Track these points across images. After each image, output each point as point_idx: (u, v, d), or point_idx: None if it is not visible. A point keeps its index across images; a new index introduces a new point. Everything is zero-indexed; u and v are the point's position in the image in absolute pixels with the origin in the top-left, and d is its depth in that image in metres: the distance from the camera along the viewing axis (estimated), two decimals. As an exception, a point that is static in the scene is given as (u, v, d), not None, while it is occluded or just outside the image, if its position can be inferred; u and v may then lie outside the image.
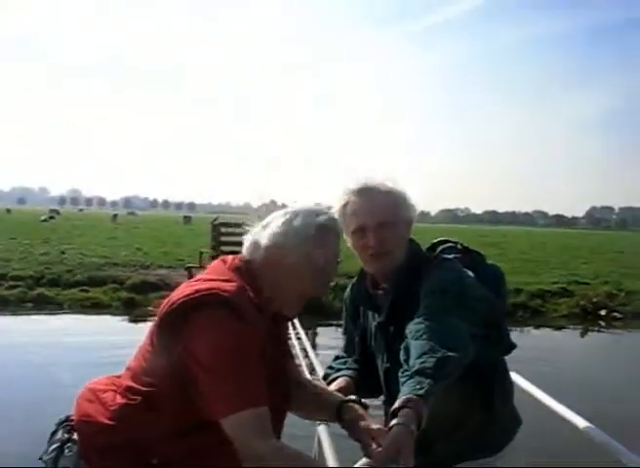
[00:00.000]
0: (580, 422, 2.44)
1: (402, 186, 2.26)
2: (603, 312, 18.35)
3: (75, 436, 1.85)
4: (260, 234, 1.91)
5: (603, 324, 17.76)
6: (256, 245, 1.90)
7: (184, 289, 1.78)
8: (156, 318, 1.79)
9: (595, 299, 18.93)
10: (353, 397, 2.07)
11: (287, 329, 2.15)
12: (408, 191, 2.27)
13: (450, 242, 2.39)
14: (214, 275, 1.83)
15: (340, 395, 2.10)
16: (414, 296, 2.09)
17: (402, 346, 1.92)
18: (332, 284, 2.08)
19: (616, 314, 18.33)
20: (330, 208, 2.06)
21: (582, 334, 16.81)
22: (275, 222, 1.91)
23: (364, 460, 2.50)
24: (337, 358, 2.53)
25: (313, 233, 1.86)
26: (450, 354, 1.80)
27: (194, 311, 1.69)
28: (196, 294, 1.71)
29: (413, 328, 1.94)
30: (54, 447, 1.85)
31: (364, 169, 2.32)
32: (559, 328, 16.97)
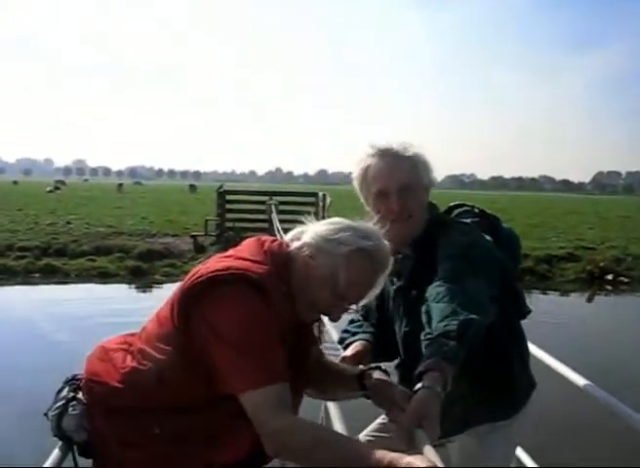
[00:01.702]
0: (585, 384, 2.42)
1: (420, 150, 2.24)
2: (610, 277, 18.33)
3: (80, 395, 1.86)
4: (307, 228, 1.87)
5: (610, 288, 17.76)
6: (298, 236, 1.87)
7: (215, 263, 1.75)
8: (181, 286, 1.76)
9: (602, 264, 18.89)
10: (373, 365, 2.06)
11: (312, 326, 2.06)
12: (426, 155, 2.25)
13: (466, 206, 2.36)
14: (247, 254, 1.79)
15: (357, 367, 2.09)
16: (433, 260, 2.07)
17: (423, 310, 1.90)
18: (346, 314, 1.95)
19: (622, 278, 18.30)
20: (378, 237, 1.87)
21: (589, 299, 16.81)
22: (326, 225, 1.86)
23: (371, 427, 2.52)
24: (352, 321, 2.51)
25: (348, 253, 1.78)
26: (472, 316, 1.79)
27: (221, 286, 1.67)
28: (226, 271, 1.68)
29: (433, 291, 1.92)
30: (59, 404, 1.85)
31: (380, 137, 2.27)
32: (566, 292, 16.96)
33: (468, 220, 2.26)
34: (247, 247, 1.86)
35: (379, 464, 1.43)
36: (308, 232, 1.85)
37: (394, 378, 2.43)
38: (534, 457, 3.18)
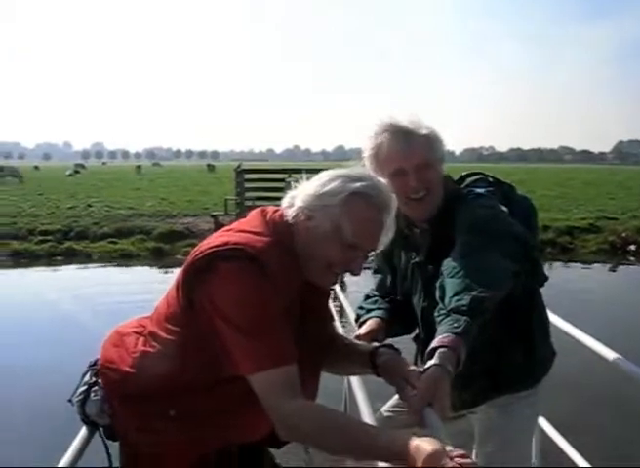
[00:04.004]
0: (610, 354, 2.41)
1: (429, 124, 2.19)
2: (632, 247, 18.18)
3: (101, 380, 1.85)
4: (297, 191, 1.78)
5: (632, 259, 17.61)
6: (291, 202, 1.77)
7: (215, 239, 1.71)
8: (184, 264, 1.73)
9: (624, 234, 18.74)
10: (385, 343, 2.05)
11: (326, 294, 2.00)
12: (435, 127, 2.20)
13: (480, 174, 2.33)
14: (248, 227, 1.74)
15: (370, 344, 2.06)
16: (451, 235, 2.05)
17: (437, 284, 1.89)
18: (368, 263, 1.89)
19: (646, 248, 18.14)
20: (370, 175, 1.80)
21: (612, 270, 16.69)
22: (312, 182, 1.77)
23: (391, 402, 2.53)
24: (367, 297, 2.50)
25: (344, 200, 1.70)
26: (486, 291, 1.76)
27: (220, 262, 1.62)
28: (224, 246, 1.64)
29: (448, 265, 1.90)
30: (81, 389, 1.85)
31: (388, 112, 2.22)
32: (588, 263, 16.85)
33: (482, 190, 2.22)
34: (250, 219, 1.81)
35: (390, 449, 1.42)
36: (299, 195, 1.76)
37: (412, 352, 2.44)
38: (556, 427, 3.19)
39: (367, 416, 2.04)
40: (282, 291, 1.64)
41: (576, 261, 16.84)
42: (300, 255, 1.74)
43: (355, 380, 2.36)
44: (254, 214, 1.82)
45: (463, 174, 2.36)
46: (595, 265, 16.83)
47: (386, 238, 1.78)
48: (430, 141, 2.16)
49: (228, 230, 1.77)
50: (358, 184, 1.71)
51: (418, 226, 2.26)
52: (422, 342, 2.30)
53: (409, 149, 2.12)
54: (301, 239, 1.73)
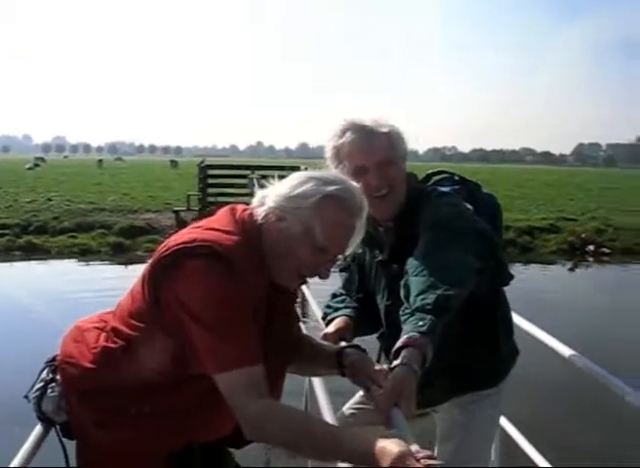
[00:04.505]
0: (568, 352, 2.44)
1: (391, 122, 2.20)
2: (591, 247, 18.49)
3: (59, 376, 1.81)
4: (269, 191, 1.76)
5: (591, 259, 17.91)
6: (261, 202, 1.75)
7: (182, 235, 1.69)
8: (151, 260, 1.70)
9: (583, 235, 19.06)
10: (352, 343, 2.05)
11: (293, 295, 1.97)
12: (398, 126, 2.21)
13: (445, 173, 2.33)
14: (217, 225, 1.71)
15: (336, 345, 2.06)
16: (415, 233, 2.05)
17: (402, 283, 1.89)
18: (335, 268, 1.88)
19: (604, 249, 18.49)
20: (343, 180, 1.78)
21: (571, 270, 16.95)
22: (285, 183, 1.75)
23: (354, 400, 2.53)
24: (334, 296, 2.48)
25: (316, 203, 1.67)
26: (451, 289, 1.77)
27: (187, 259, 1.60)
28: (192, 243, 1.61)
29: (413, 263, 1.90)
30: (38, 386, 1.82)
31: (353, 112, 2.23)
32: (548, 263, 17.09)
33: (448, 188, 2.23)
34: (219, 216, 1.78)
35: (355, 450, 1.42)
36: (270, 195, 1.74)
37: (375, 351, 2.43)
38: (517, 426, 3.22)
39: (328, 415, 2.04)
40: (249, 290, 1.62)
41: (536, 262, 17.07)
42: (268, 256, 1.72)
43: (316, 379, 2.35)
44: (223, 211, 1.79)
45: (429, 172, 2.36)
46: (555, 266, 17.09)
47: (355, 242, 1.77)
48: (391, 139, 2.17)
49: (196, 227, 1.74)
50: (332, 187, 1.70)
51: (382, 225, 2.25)
52: (386, 340, 2.30)
53: (370, 147, 2.13)
54: (270, 239, 1.71)
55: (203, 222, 1.78)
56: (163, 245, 1.70)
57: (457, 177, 2.33)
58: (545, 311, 10.14)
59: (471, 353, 2.24)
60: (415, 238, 2.03)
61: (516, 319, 2.61)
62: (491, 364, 2.29)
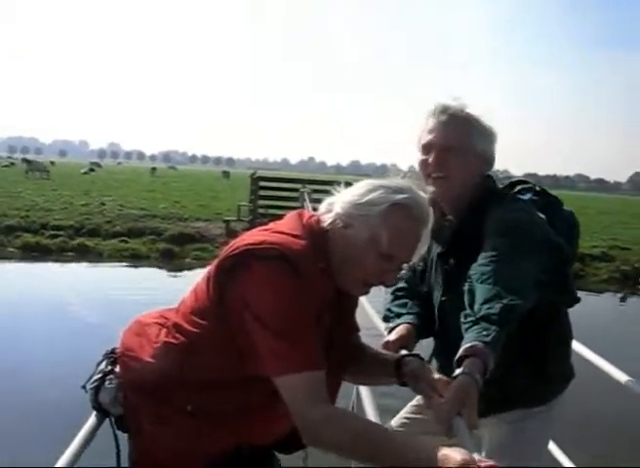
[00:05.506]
0: (624, 378, 2.38)
1: (483, 118, 2.19)
2: (645, 278, 18.06)
3: (117, 368, 1.83)
4: (336, 198, 1.77)
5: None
6: (329, 208, 1.77)
7: (250, 237, 1.70)
8: (216, 259, 1.72)
9: (636, 264, 18.63)
10: (412, 352, 2.03)
11: (355, 303, 1.97)
12: (487, 122, 2.20)
13: (527, 183, 2.29)
14: (285, 228, 1.72)
15: (395, 354, 2.04)
16: (477, 230, 2.02)
17: (466, 288, 1.85)
18: (400, 276, 1.87)
19: (658, 280, 18.02)
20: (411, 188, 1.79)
21: (623, 299, 16.56)
22: (353, 190, 1.76)
23: (405, 409, 2.50)
24: (395, 297, 2.41)
25: (384, 211, 1.68)
26: (517, 300, 1.74)
27: (254, 261, 1.60)
28: (260, 245, 1.62)
29: (478, 269, 1.87)
30: (96, 377, 1.84)
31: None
32: (599, 292, 16.72)
33: (527, 197, 2.19)
34: (287, 220, 1.79)
35: (417, 457, 1.40)
36: (337, 202, 1.75)
37: (429, 349, 2.40)
38: (566, 452, 3.12)
39: None
40: (315, 294, 1.62)
41: (586, 290, 16.72)
42: (334, 262, 1.71)
43: (364, 389, 2.33)
44: (291, 216, 1.80)
45: (513, 180, 2.32)
46: (606, 294, 16.71)
47: (421, 251, 1.77)
48: (466, 127, 2.16)
49: (264, 230, 1.75)
50: (400, 196, 1.71)
51: (447, 219, 2.24)
52: (439, 339, 2.31)
53: (442, 128, 2.14)
54: (337, 246, 1.72)
55: (271, 225, 1.78)
56: (230, 245, 1.71)
57: (538, 189, 2.28)
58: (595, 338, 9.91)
59: (523, 366, 2.18)
60: (477, 235, 2.00)
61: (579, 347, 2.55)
62: (538, 381, 2.22)
